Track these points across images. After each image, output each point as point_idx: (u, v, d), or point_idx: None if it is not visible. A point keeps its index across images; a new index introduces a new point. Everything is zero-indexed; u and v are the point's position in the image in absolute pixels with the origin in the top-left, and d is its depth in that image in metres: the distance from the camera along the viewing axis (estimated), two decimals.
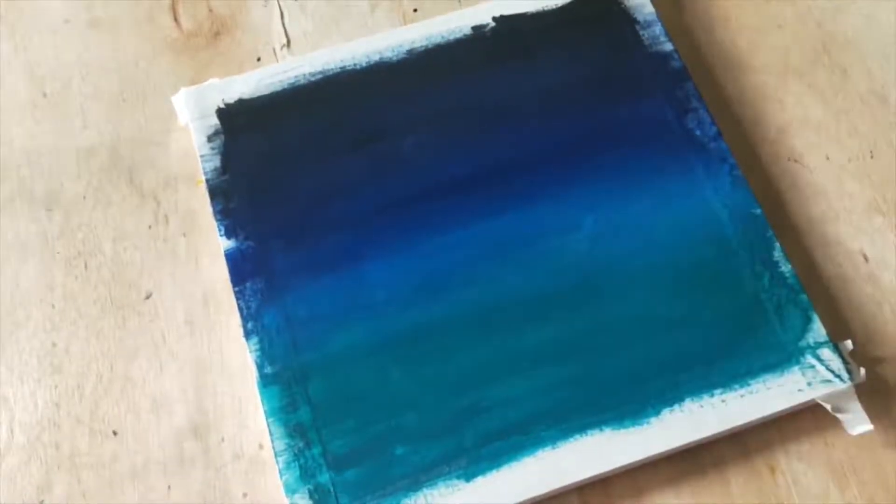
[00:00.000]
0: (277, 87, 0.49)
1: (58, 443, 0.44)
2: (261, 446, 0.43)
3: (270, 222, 0.46)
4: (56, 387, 0.45)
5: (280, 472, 0.41)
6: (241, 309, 0.44)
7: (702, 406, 0.41)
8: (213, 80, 0.50)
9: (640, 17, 0.51)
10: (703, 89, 0.49)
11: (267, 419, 0.42)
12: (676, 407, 0.41)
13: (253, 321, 0.44)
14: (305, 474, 0.41)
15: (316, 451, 0.41)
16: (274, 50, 0.53)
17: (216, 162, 0.47)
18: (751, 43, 0.53)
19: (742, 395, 0.41)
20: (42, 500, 0.43)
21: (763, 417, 0.42)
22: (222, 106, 0.49)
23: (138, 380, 0.45)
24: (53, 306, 0.47)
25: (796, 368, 0.42)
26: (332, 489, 0.40)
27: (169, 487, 0.43)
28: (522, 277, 0.44)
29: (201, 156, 0.48)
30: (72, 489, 0.43)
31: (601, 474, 0.41)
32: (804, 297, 0.43)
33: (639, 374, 0.42)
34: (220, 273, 0.46)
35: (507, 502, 0.40)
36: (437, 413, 0.42)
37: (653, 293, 0.44)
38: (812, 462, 0.43)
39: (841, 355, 0.42)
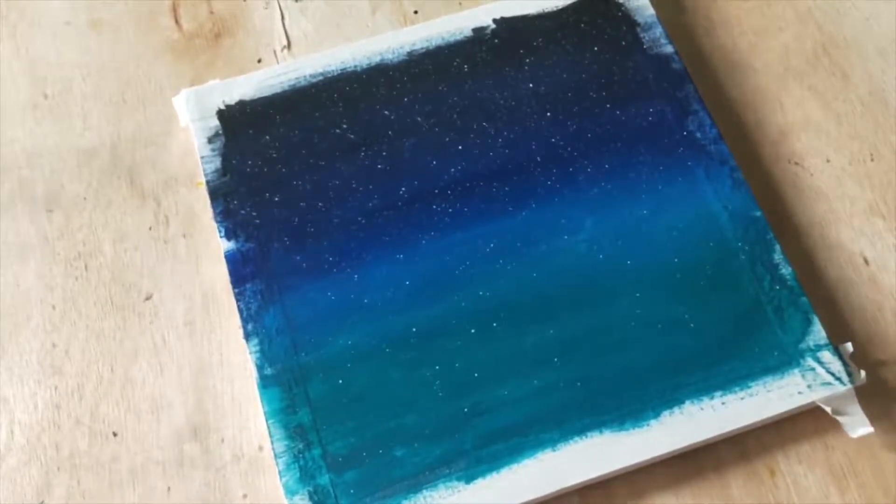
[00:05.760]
0: (278, 89, 0.49)
1: (58, 444, 0.44)
2: (260, 448, 0.43)
3: (271, 224, 0.46)
4: (56, 388, 0.45)
5: (280, 473, 0.41)
6: (240, 310, 0.44)
7: (702, 408, 0.41)
8: (214, 82, 0.50)
9: (640, 20, 0.51)
10: (704, 91, 0.49)
11: (267, 420, 0.42)
12: (676, 409, 0.41)
13: (253, 322, 0.44)
14: (305, 476, 0.41)
15: (316, 452, 0.41)
16: (275, 51, 0.53)
17: (217, 163, 0.48)
18: (751, 45, 0.53)
19: (742, 398, 0.41)
20: (42, 501, 0.43)
21: (763, 420, 0.42)
22: (223, 107, 0.49)
23: (138, 381, 0.45)
24: (54, 307, 0.47)
25: (796, 371, 0.42)
26: (332, 491, 0.40)
27: (169, 489, 0.43)
28: (522, 279, 0.44)
29: (202, 157, 0.48)
30: (71, 490, 0.43)
31: (601, 476, 0.41)
32: (804, 299, 0.43)
33: (639, 376, 0.42)
34: (221, 274, 0.46)
35: None
36: (436, 415, 0.42)
37: (653, 295, 0.44)
38: (812, 464, 0.43)
39: (841, 358, 0.42)
